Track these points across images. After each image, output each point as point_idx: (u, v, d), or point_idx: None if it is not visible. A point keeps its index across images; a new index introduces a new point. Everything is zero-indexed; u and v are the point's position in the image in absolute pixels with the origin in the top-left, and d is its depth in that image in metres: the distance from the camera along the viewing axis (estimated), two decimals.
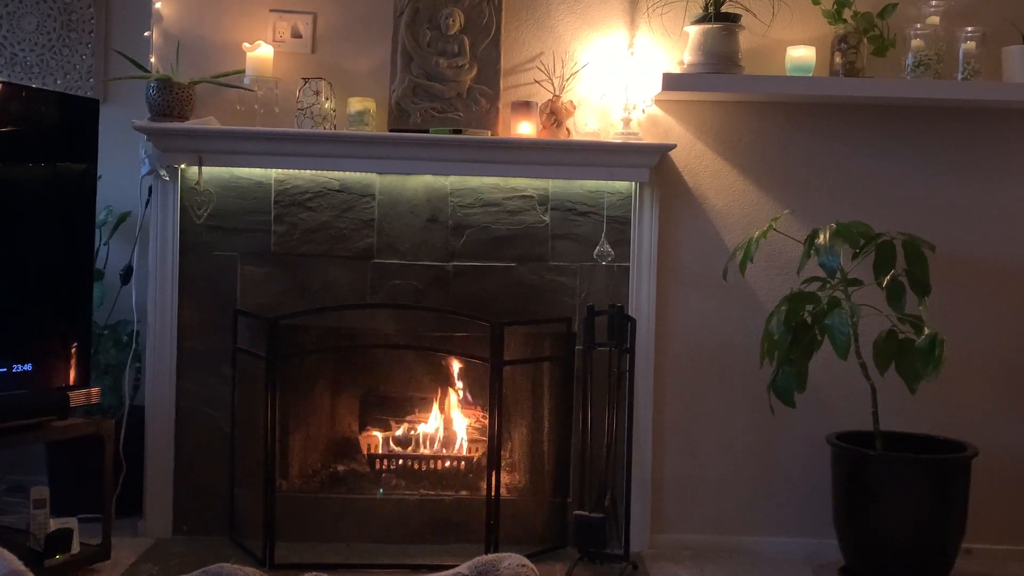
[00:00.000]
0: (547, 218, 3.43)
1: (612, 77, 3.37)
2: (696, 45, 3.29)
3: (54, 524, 3.00)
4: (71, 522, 3.04)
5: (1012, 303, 3.46)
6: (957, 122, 3.44)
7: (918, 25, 3.32)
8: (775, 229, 3.24)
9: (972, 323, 3.44)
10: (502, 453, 3.32)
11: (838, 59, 3.34)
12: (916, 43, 3.30)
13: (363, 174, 3.41)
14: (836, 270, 3.03)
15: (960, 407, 3.43)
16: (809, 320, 3.06)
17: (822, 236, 3.07)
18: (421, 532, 3.38)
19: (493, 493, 3.15)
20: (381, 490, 3.41)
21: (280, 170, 3.40)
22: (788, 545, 3.44)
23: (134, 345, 3.52)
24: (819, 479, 3.30)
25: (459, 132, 3.34)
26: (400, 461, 3.53)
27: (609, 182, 3.40)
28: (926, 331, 2.95)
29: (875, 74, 3.35)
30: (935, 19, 3.32)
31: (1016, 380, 3.46)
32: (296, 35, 3.43)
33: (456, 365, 3.62)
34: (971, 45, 3.30)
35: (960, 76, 3.31)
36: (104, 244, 3.66)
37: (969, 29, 3.31)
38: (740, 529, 3.47)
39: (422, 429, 3.63)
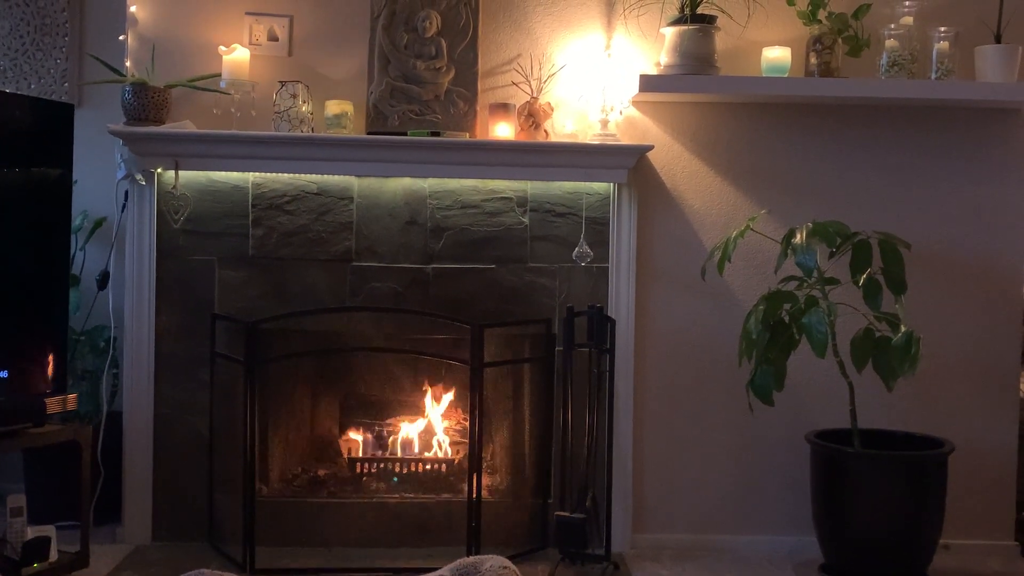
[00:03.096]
0: (526, 219, 3.44)
1: (589, 79, 3.38)
2: (672, 46, 3.31)
3: (31, 532, 2.96)
4: (49, 530, 3.01)
5: (987, 300, 3.49)
6: (931, 121, 3.47)
7: (892, 25, 3.35)
8: (752, 229, 3.26)
9: (948, 320, 3.47)
10: (483, 455, 3.32)
11: (813, 60, 3.36)
12: (890, 43, 3.33)
13: (341, 177, 3.40)
14: (813, 269, 3.05)
15: (937, 404, 3.46)
16: (787, 319, 3.08)
17: (799, 235, 3.09)
18: (402, 535, 3.37)
19: (474, 495, 3.15)
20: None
21: (257, 174, 3.38)
22: (768, 543, 3.46)
23: (111, 351, 3.50)
24: (798, 477, 3.32)
25: (437, 134, 3.34)
26: (381, 464, 3.52)
27: (587, 183, 3.41)
28: (902, 329, 2.98)
29: (850, 74, 3.38)
30: (909, 19, 3.35)
31: (991, 376, 3.50)
32: (272, 38, 3.42)
33: (436, 367, 3.61)
34: (944, 45, 3.33)
35: (934, 76, 3.34)
36: (80, 249, 3.63)
37: (942, 29, 3.34)
38: (721, 528, 3.49)
39: (403, 432, 3.62)
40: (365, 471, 3.51)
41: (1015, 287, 3.52)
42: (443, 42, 3.38)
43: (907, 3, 3.36)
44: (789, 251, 3.10)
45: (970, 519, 3.44)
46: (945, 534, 3.17)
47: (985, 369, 3.49)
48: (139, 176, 3.34)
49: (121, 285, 3.43)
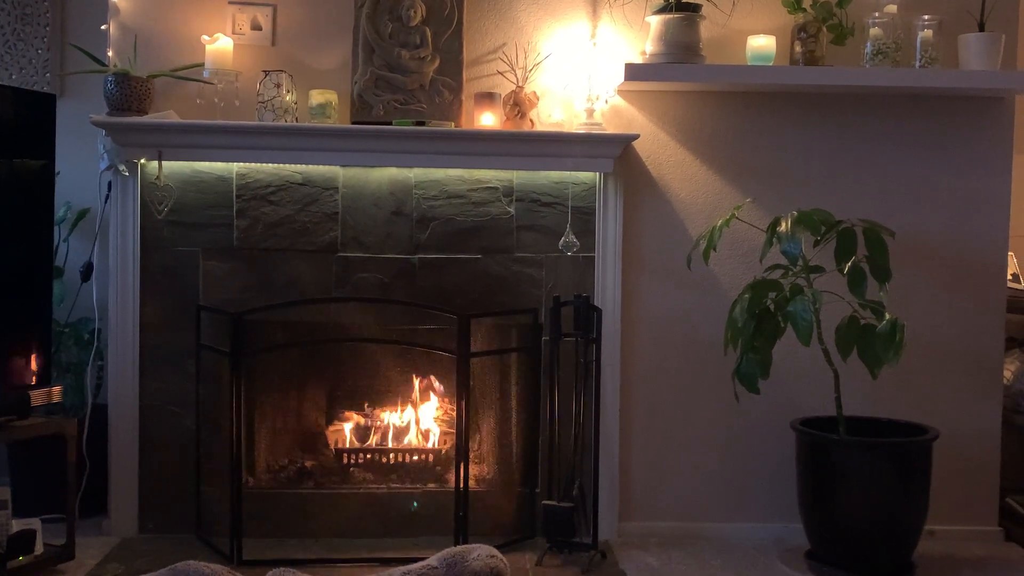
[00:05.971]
0: (512, 209, 3.43)
1: (575, 68, 3.38)
2: (658, 35, 3.30)
3: (17, 525, 2.96)
4: (34, 523, 3.01)
5: (970, 287, 3.51)
6: (915, 109, 3.48)
7: (876, 14, 3.35)
8: (738, 218, 3.27)
9: (932, 308, 3.49)
10: (470, 445, 3.32)
11: (798, 48, 3.37)
12: (874, 31, 3.34)
13: (326, 167, 3.39)
14: (798, 257, 3.06)
15: (921, 391, 3.48)
16: (772, 307, 3.09)
17: (784, 224, 3.10)
18: (390, 525, 3.37)
19: (461, 485, 3.16)
20: (415, 503, 3.39)
21: (241, 164, 3.37)
22: (755, 531, 3.47)
23: (96, 343, 3.48)
24: (784, 465, 3.33)
25: (422, 124, 3.33)
26: (368, 455, 3.52)
27: (573, 173, 3.41)
28: (887, 317, 2.99)
29: (834, 62, 3.38)
30: (893, 7, 3.36)
31: (975, 363, 3.52)
32: (256, 27, 3.40)
33: (423, 358, 3.61)
34: (928, 33, 3.34)
35: (918, 64, 3.35)
36: (63, 241, 3.61)
37: (926, 17, 3.35)
38: (707, 516, 3.50)
39: (390, 422, 3.62)
40: (352, 462, 3.51)
41: (998, 274, 3.54)
42: (428, 31, 3.37)
43: None
44: (774, 240, 3.11)
45: (955, 505, 3.47)
46: (930, 520, 3.20)
47: (969, 356, 3.51)
48: (122, 167, 3.32)
49: (105, 277, 3.41)
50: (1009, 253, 3.66)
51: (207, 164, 3.36)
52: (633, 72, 3.27)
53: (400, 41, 3.36)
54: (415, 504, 3.38)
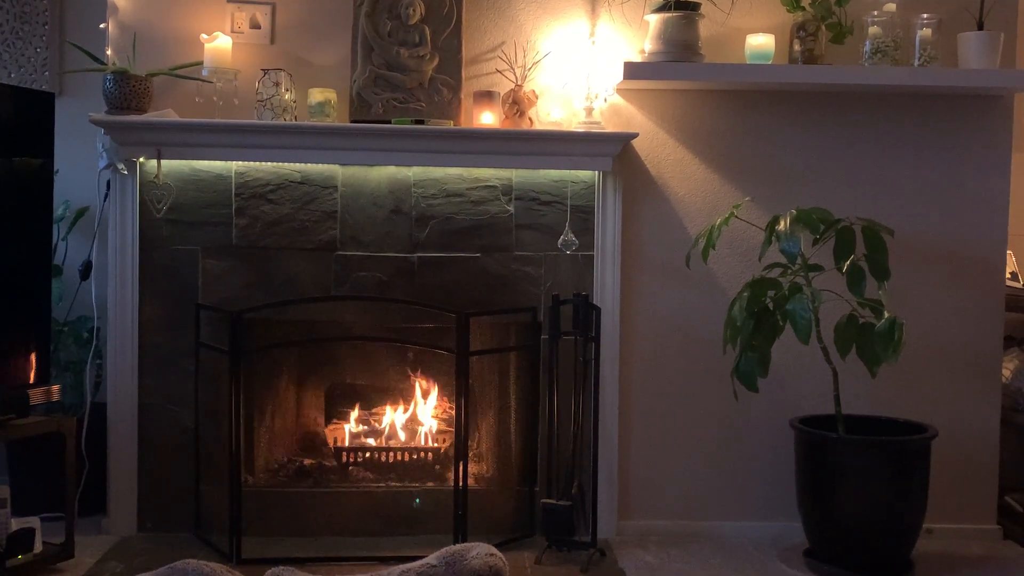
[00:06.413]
0: (511, 208, 3.43)
1: (574, 66, 3.38)
2: (656, 34, 3.30)
3: (16, 524, 2.96)
4: (33, 521, 3.01)
5: (970, 286, 3.51)
6: (914, 108, 3.48)
7: (875, 12, 3.36)
8: (736, 216, 3.27)
9: (931, 306, 3.49)
10: (469, 443, 3.32)
11: (797, 47, 3.37)
12: (873, 30, 3.34)
13: (325, 166, 3.39)
14: (797, 256, 3.06)
15: (920, 389, 3.48)
16: (771, 306, 3.09)
17: (783, 222, 3.10)
18: (389, 524, 3.37)
19: (460, 483, 3.16)
20: (417, 500, 3.38)
21: (240, 163, 3.37)
22: (754, 529, 3.47)
23: (95, 341, 3.48)
24: (783, 463, 3.34)
25: (421, 122, 3.33)
26: (367, 453, 3.52)
27: (572, 171, 3.41)
28: (886, 315, 2.99)
29: (833, 61, 3.38)
30: (892, 6, 3.36)
31: (974, 361, 3.52)
32: (255, 26, 3.40)
33: (422, 356, 3.61)
34: (927, 32, 3.34)
35: (917, 62, 3.35)
36: (62, 239, 3.61)
37: (925, 16, 3.35)
38: (706, 514, 3.50)
39: (389, 421, 3.62)
40: (351, 460, 3.51)
41: (997, 273, 3.54)
42: (427, 29, 3.37)
43: None
44: (773, 238, 3.11)
45: (953, 503, 3.47)
46: (928, 518, 3.20)
47: (968, 354, 3.52)
48: (121, 165, 3.32)
49: (104, 275, 3.41)
50: (1008, 252, 3.66)
51: (206, 163, 3.36)
52: (632, 71, 3.27)
53: (399, 39, 3.36)
54: (417, 500, 3.38)
